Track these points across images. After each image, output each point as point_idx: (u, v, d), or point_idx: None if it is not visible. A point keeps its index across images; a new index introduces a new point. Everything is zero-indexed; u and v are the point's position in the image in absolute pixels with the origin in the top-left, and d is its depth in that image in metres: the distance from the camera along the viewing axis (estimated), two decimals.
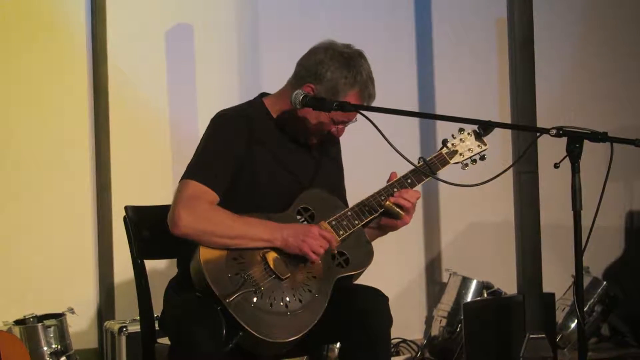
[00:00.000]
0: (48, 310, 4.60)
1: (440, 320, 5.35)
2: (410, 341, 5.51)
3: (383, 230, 3.36)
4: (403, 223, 3.28)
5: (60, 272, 4.90)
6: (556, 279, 5.19)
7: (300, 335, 3.00)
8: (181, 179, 3.16)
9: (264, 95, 3.39)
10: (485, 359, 4.58)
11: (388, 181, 3.28)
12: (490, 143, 3.38)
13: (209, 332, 2.89)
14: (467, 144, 3.36)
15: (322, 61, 3.22)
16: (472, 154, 3.36)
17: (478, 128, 3.32)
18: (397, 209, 3.23)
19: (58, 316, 4.57)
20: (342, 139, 3.48)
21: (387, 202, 3.23)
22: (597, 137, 2.94)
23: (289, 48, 3.40)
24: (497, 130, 3.30)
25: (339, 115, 3.21)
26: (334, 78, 3.20)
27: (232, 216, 3.09)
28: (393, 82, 5.49)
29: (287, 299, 3.03)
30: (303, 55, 3.30)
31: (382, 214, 3.27)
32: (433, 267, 5.83)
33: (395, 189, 3.26)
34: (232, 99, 4.81)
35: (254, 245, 3.08)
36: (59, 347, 4.49)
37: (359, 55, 3.26)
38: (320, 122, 3.24)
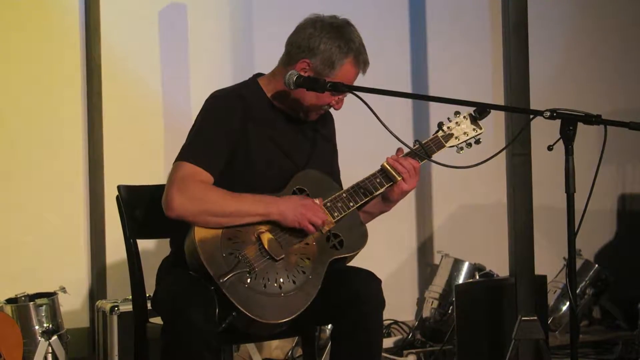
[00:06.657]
0: (40, 289, 4.59)
1: (432, 302, 5.36)
2: (402, 323, 5.53)
3: (386, 200, 3.31)
4: (399, 189, 3.24)
5: (52, 251, 4.90)
6: (548, 261, 5.20)
7: (293, 316, 3.00)
8: (175, 161, 3.14)
9: (258, 75, 3.37)
10: (477, 341, 4.58)
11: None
12: (484, 125, 3.38)
13: (202, 312, 2.89)
14: (463, 127, 3.36)
15: (313, 34, 3.21)
16: (468, 138, 3.35)
17: (474, 111, 3.32)
18: (393, 172, 3.21)
19: (50, 295, 4.56)
20: (336, 121, 3.47)
21: (384, 163, 3.22)
22: (591, 119, 2.93)
23: (283, 27, 3.38)
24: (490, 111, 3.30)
25: None
26: (327, 48, 3.19)
27: (225, 193, 3.07)
28: (386, 64, 5.46)
29: (281, 280, 3.03)
30: (291, 33, 3.29)
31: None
32: (425, 249, 5.84)
33: None
34: (226, 78, 4.81)
35: (250, 220, 3.07)
36: (51, 326, 4.49)
37: (347, 23, 3.26)
38: (318, 98, 3.22)
